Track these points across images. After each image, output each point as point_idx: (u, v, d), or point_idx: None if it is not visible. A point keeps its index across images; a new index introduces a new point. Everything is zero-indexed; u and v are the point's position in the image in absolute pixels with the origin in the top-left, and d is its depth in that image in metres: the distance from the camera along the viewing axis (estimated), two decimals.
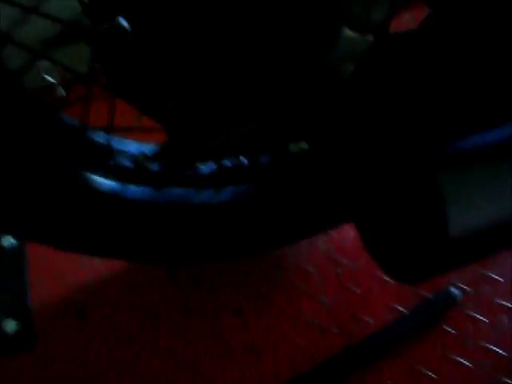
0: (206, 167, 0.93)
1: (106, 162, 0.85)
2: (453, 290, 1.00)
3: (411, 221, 0.59)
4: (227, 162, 0.94)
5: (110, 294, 1.01)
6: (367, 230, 0.67)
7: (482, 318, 0.98)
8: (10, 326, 0.93)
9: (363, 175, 0.64)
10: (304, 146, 0.68)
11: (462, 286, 1.01)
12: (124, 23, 0.55)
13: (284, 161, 0.93)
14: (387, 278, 1.02)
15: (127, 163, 0.87)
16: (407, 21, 0.74)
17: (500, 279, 1.02)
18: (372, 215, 0.65)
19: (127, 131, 0.84)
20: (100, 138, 0.85)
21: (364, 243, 0.68)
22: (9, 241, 1.00)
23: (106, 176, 0.84)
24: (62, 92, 0.80)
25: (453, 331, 0.97)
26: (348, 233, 1.09)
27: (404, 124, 0.59)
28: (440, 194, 0.53)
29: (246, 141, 0.63)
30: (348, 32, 0.54)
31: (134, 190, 0.87)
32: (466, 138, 0.56)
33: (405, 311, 0.99)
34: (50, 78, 0.86)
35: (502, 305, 0.99)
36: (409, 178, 0.58)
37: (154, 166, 0.90)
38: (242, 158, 0.94)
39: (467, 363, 0.93)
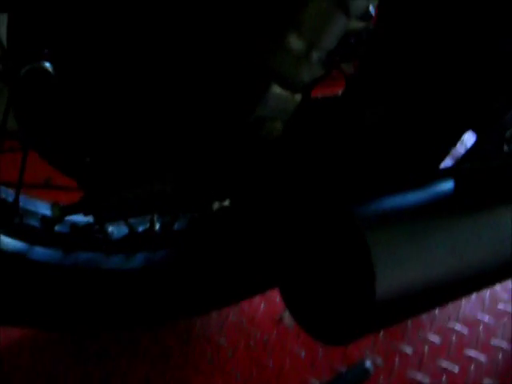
0: (117, 231, 0.90)
1: (11, 220, 0.80)
2: (366, 363, 0.99)
3: (338, 283, 0.58)
4: (140, 228, 0.91)
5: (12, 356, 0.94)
6: (291, 293, 0.66)
7: None
8: None
9: (287, 237, 0.64)
10: (226, 204, 0.67)
11: (374, 358, 1.01)
12: (47, 65, 0.53)
13: (200, 227, 0.91)
14: (300, 351, 1.01)
15: (34, 223, 0.82)
16: None
17: (409, 351, 1.03)
18: (297, 278, 0.64)
19: (37, 188, 0.80)
20: (6, 194, 0.80)
21: (287, 306, 0.66)
22: None
23: (10, 235, 0.79)
24: None
25: None
26: (259, 305, 1.07)
27: (329, 185, 0.59)
28: (369, 258, 0.53)
29: (168, 198, 0.61)
30: (277, 89, 0.54)
31: (40, 251, 0.82)
32: (391, 197, 0.56)
33: None
34: None
35: (412, 377, 0.99)
36: (335, 239, 0.57)
37: (63, 228, 0.86)
38: (156, 223, 0.91)
39: None
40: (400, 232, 0.55)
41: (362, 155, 0.62)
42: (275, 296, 1.09)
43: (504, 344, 1.05)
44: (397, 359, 1.02)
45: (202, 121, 0.56)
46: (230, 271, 0.91)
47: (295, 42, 0.51)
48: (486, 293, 1.14)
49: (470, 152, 0.60)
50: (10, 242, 0.78)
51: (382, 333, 1.05)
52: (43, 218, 0.84)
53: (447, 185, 0.59)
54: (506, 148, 0.61)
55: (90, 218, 0.89)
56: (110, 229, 0.90)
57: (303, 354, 1.01)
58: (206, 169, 0.57)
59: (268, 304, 1.08)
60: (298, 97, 0.56)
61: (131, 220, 0.91)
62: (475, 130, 0.67)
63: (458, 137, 0.66)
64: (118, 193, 0.59)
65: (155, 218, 0.92)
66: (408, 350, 1.03)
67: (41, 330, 0.89)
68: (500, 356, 1.03)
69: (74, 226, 0.87)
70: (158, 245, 0.90)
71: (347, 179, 0.61)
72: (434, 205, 0.58)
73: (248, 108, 0.54)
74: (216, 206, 0.66)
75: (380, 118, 0.62)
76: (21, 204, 0.82)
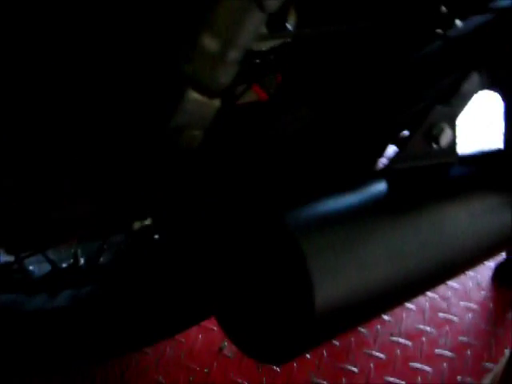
0: (38, 269, 0.84)
1: None
2: None
3: (275, 299, 0.55)
4: (63, 263, 0.86)
5: None
6: (228, 318, 0.62)
7: None
8: None
9: (218, 256, 0.60)
10: (147, 222, 0.62)
11: (319, 381, 0.97)
12: None
13: (126, 260, 0.87)
14: (243, 381, 0.96)
15: None
16: None
17: (355, 370, 1.00)
18: (234, 300, 0.60)
19: None
20: None
21: (226, 333, 0.62)
22: None
23: None
24: None
25: None
26: (197, 336, 1.03)
27: (256, 194, 0.56)
28: (305, 267, 0.50)
29: (88, 219, 0.56)
30: (194, 94, 0.51)
31: None
32: (324, 201, 0.54)
33: None
34: None
35: None
36: (268, 251, 0.54)
37: None
38: (80, 258, 0.86)
39: None
40: (336, 237, 0.52)
41: (288, 160, 0.59)
42: (213, 326, 1.04)
43: (447, 353, 1.03)
44: (343, 380, 0.99)
45: (117, 136, 0.52)
46: (161, 304, 0.86)
47: (209, 43, 0.48)
48: (426, 303, 1.13)
49: (400, 151, 0.58)
50: None
51: (325, 354, 1.02)
52: None
53: (380, 186, 0.57)
54: (434, 145, 0.60)
55: (8, 258, 0.83)
56: (31, 267, 0.84)
57: (247, 382, 0.96)
58: (125, 186, 0.53)
59: (206, 335, 1.03)
60: (217, 102, 0.53)
61: (54, 256, 0.85)
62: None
63: (387, 139, 0.64)
64: (32, 220, 0.54)
65: (79, 253, 0.87)
66: (354, 368, 1.00)
67: None
68: (445, 365, 1.01)
69: None
70: (84, 281, 0.85)
71: (275, 187, 0.58)
72: (369, 207, 0.55)
73: (163, 117, 0.50)
74: (137, 225, 0.61)
75: (305, 122, 0.60)
76: None
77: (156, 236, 0.87)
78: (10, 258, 0.82)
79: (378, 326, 1.08)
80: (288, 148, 0.59)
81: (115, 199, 0.54)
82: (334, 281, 0.52)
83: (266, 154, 0.59)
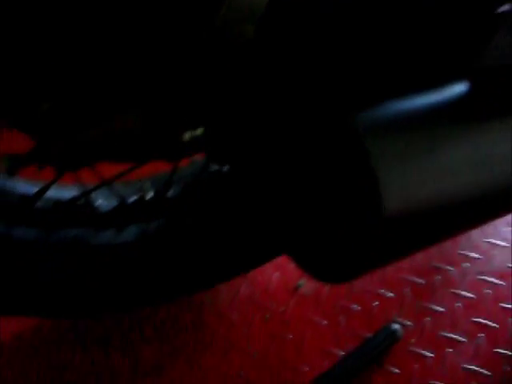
0: (105, 204, 0.82)
1: None
2: (393, 325, 0.90)
3: (340, 206, 0.49)
4: (131, 198, 0.83)
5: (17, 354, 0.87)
6: (294, 238, 0.57)
7: (427, 353, 0.88)
8: None
9: (282, 182, 0.55)
10: (199, 132, 0.57)
11: (402, 321, 0.92)
12: None
13: (194, 190, 0.83)
14: (320, 320, 0.92)
15: (14, 201, 0.75)
16: None
17: (440, 310, 0.94)
18: (304, 228, 0.55)
19: None
20: None
21: (292, 255, 0.58)
22: None
23: None
24: None
25: (397, 370, 0.86)
26: (272, 274, 0.99)
27: (322, 91, 0.50)
28: (369, 166, 0.44)
29: (132, 135, 0.52)
30: None
31: (22, 230, 0.74)
32: (399, 102, 0.47)
33: (343, 354, 0.88)
34: None
35: (446, 337, 0.90)
36: (334, 160, 0.49)
37: (45, 205, 0.78)
38: (147, 191, 0.83)
39: None
40: (409, 140, 0.46)
41: (360, 56, 0.52)
42: (289, 264, 1.00)
43: None
44: (428, 319, 0.92)
45: (162, 33, 0.47)
46: (231, 237, 0.83)
47: None
48: None
49: (486, 46, 0.51)
50: None
51: (409, 293, 0.96)
52: (22, 196, 0.77)
53: (463, 86, 0.50)
54: None
55: (74, 192, 0.81)
56: (98, 202, 0.82)
57: (324, 322, 0.92)
58: (175, 91, 0.49)
59: (282, 273, 0.99)
60: None
61: (122, 191, 0.83)
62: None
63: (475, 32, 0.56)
64: (74, 136, 0.51)
65: (148, 186, 0.84)
66: (439, 308, 0.94)
67: (32, 316, 0.82)
68: None
69: (57, 201, 0.79)
70: (152, 215, 0.82)
71: (343, 82, 0.51)
72: (449, 109, 0.48)
73: (211, 10, 0.45)
74: (188, 135, 0.57)
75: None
76: None
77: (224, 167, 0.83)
78: (76, 193, 0.80)
79: (466, 264, 1.00)
80: (360, 43, 0.53)
81: (165, 105, 0.49)
82: (406, 184, 0.46)
83: (336, 48, 0.52)
